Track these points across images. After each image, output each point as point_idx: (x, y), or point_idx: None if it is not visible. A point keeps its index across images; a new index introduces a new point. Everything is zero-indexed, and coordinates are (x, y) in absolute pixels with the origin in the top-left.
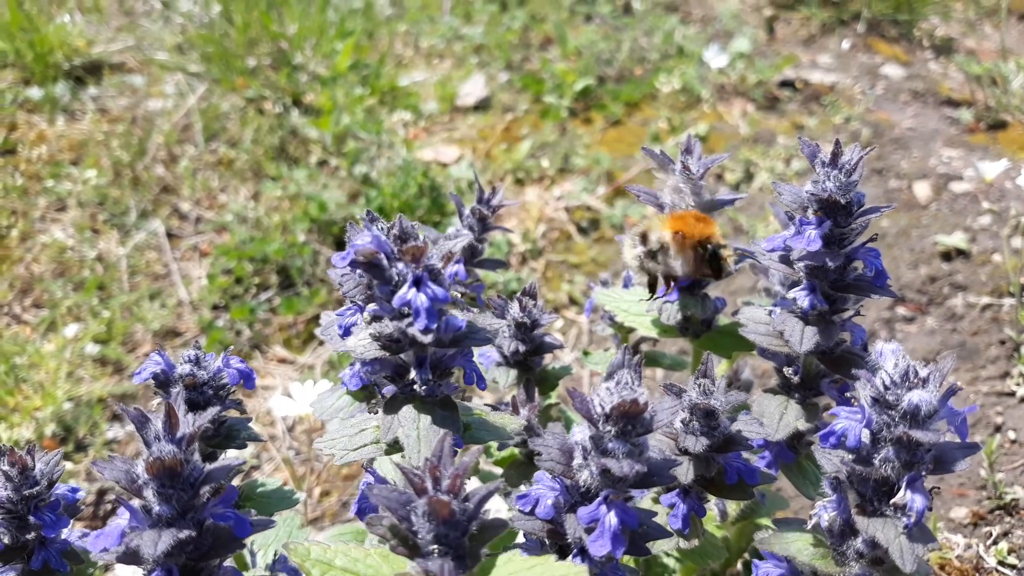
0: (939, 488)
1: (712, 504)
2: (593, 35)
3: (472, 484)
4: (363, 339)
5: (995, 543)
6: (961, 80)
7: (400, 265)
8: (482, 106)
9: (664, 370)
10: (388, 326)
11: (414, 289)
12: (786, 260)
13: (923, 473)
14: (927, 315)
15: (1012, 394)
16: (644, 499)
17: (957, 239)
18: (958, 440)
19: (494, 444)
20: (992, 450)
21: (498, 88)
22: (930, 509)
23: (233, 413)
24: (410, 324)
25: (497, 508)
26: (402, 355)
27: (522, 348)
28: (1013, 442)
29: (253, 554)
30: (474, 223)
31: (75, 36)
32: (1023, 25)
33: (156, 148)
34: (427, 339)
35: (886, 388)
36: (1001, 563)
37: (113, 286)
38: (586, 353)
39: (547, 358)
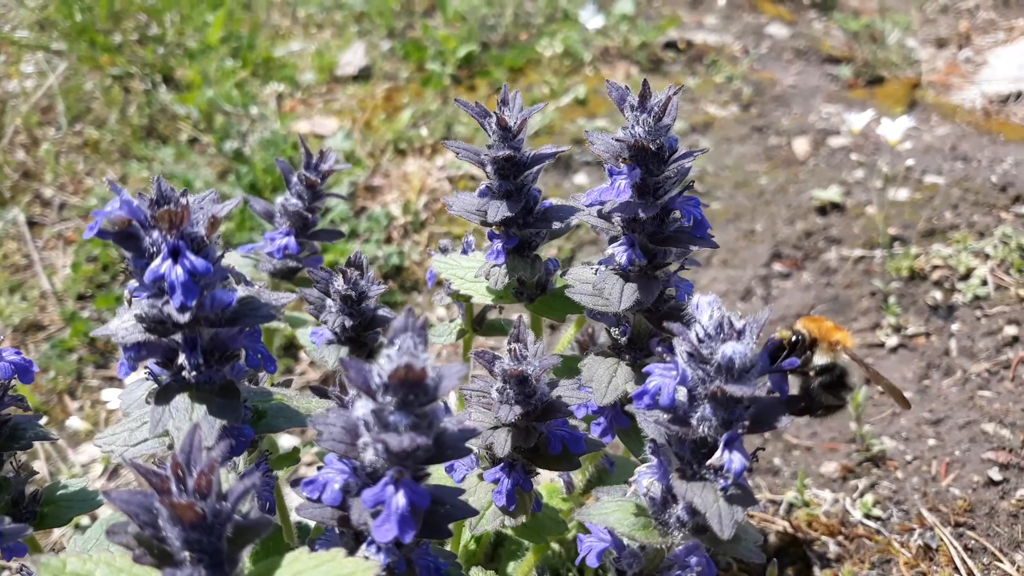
0: (810, 446)
1: (558, 476)
2: (476, 0)
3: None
4: (126, 321)
5: (861, 496)
6: (844, 39)
7: (156, 234)
8: (363, 75)
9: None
10: (146, 306)
11: (169, 261)
12: (605, 216)
13: (740, 432)
14: (803, 270)
15: (882, 345)
16: (471, 476)
17: (832, 193)
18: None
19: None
20: (859, 403)
21: (380, 56)
22: (750, 470)
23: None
24: (167, 302)
25: None
26: (175, 337)
27: (349, 323)
28: (882, 393)
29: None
30: (303, 191)
31: None
32: None
33: (14, 131)
34: (183, 318)
35: (700, 341)
36: (867, 515)
37: None
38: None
39: None
